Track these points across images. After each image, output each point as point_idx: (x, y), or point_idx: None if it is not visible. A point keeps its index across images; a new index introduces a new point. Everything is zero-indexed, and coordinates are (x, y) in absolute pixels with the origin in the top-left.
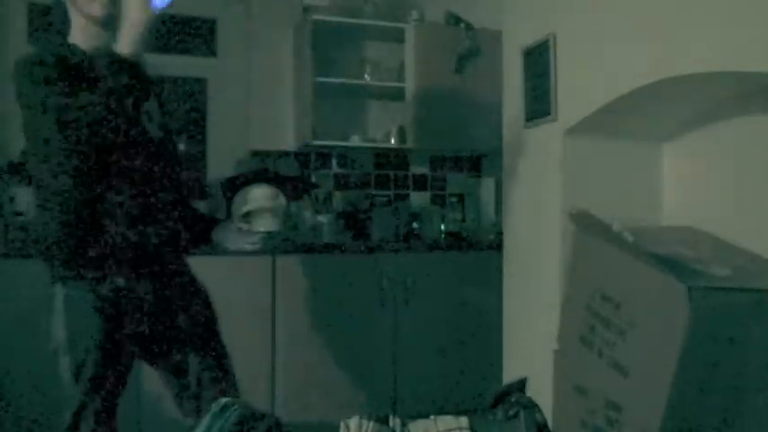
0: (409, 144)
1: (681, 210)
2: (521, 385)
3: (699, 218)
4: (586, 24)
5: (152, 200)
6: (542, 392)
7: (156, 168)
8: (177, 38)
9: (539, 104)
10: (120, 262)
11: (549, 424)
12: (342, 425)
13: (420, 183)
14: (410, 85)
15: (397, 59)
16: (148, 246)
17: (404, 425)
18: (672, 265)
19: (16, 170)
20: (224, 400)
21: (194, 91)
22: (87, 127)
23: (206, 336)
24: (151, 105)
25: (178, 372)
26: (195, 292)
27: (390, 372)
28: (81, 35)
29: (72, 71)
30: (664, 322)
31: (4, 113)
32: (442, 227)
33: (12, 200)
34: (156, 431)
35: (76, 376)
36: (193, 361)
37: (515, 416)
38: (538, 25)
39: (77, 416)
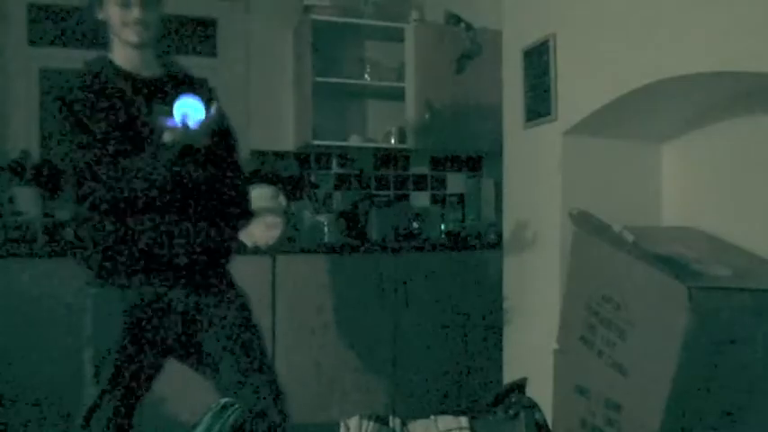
0: (409, 144)
1: (681, 210)
2: (521, 385)
3: (699, 218)
4: (586, 24)
5: (192, 209)
6: (542, 392)
7: (199, 179)
8: (177, 38)
9: (539, 105)
10: (153, 269)
11: (549, 424)
12: (342, 425)
13: (420, 183)
14: (410, 85)
15: (397, 59)
16: (183, 256)
17: (404, 425)
18: (672, 265)
19: (16, 170)
20: (224, 399)
21: None
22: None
23: (241, 344)
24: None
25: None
26: (231, 301)
27: (390, 372)
28: (121, 55)
29: (113, 101)
30: (664, 322)
31: (4, 113)
32: (442, 227)
33: (11, 200)
34: (156, 431)
35: (96, 374)
36: (229, 369)
37: (515, 416)
38: (538, 25)
39: (92, 412)
